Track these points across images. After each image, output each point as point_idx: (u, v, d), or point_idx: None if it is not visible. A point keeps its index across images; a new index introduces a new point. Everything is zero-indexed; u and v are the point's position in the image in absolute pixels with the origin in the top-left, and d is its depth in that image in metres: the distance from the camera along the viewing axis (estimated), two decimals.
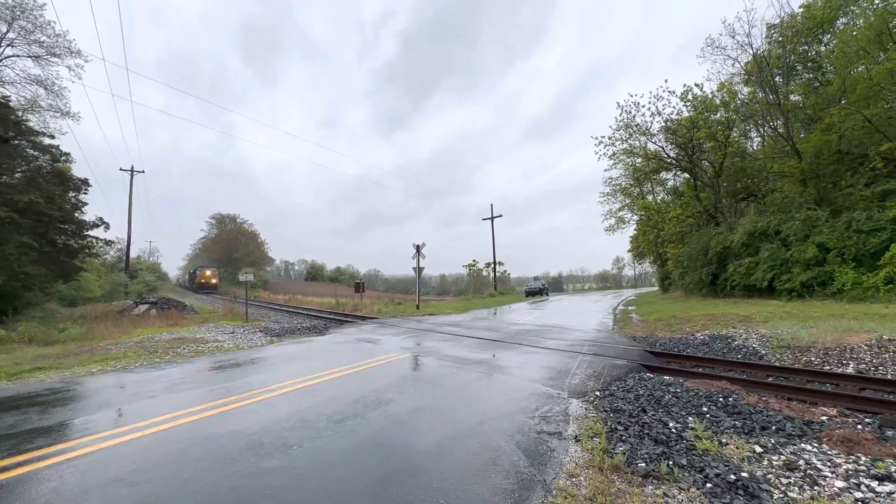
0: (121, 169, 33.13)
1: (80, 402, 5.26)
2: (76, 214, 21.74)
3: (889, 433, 4.05)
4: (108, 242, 26.39)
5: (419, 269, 22.52)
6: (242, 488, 2.94)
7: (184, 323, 14.85)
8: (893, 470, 3.20)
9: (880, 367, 6.47)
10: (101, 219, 22.80)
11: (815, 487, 3.00)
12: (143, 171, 33.72)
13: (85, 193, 22.29)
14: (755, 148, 26.43)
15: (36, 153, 19.90)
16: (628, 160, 30.28)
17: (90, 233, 22.67)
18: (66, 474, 3.19)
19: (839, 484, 3.03)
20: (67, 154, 21.15)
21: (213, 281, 50.86)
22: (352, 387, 5.76)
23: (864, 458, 3.44)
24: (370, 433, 3.99)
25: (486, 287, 46.35)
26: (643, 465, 3.33)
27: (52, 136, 20.87)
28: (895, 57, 15.20)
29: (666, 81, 23.17)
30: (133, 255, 44.37)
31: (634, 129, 25.65)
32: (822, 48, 21.27)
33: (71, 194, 21.46)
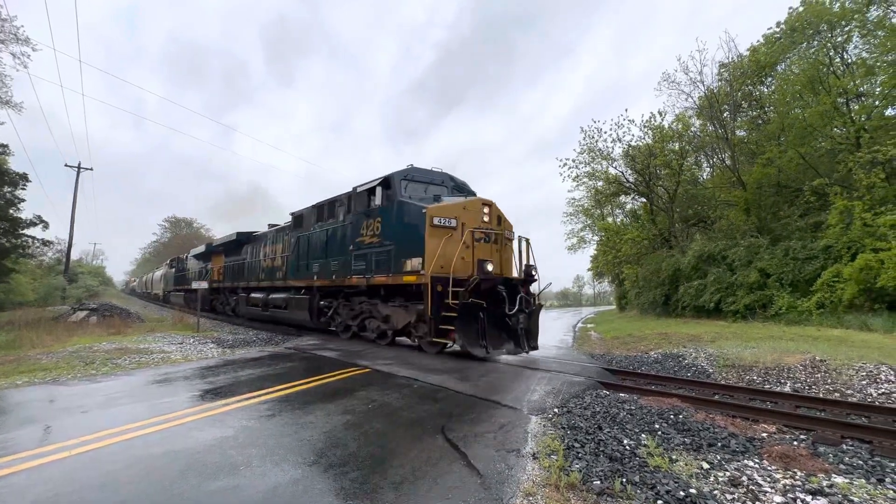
0: (66, 165, 30.95)
1: None
2: (11, 211, 20.11)
3: (821, 449, 4.32)
4: (46, 243, 24.59)
5: None
6: None
7: (128, 332, 13.86)
8: (825, 485, 3.40)
9: (813, 386, 6.95)
10: (39, 217, 21.28)
11: (757, 503, 3.14)
12: (90, 168, 31.69)
13: (23, 189, 20.70)
14: (706, 177, 28.26)
15: None
16: (590, 183, 31.49)
17: (26, 231, 21.01)
18: None
19: (778, 499, 3.18)
20: (5, 146, 19.63)
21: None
22: (310, 400, 5.54)
23: (799, 474, 3.64)
24: (324, 449, 3.82)
25: None
26: (598, 482, 3.38)
27: None
28: (825, 101, 16.81)
29: (626, 110, 24.56)
30: (75, 256, 41.37)
31: (596, 153, 26.89)
32: (765, 89, 23.21)
33: (6, 189, 19.87)
